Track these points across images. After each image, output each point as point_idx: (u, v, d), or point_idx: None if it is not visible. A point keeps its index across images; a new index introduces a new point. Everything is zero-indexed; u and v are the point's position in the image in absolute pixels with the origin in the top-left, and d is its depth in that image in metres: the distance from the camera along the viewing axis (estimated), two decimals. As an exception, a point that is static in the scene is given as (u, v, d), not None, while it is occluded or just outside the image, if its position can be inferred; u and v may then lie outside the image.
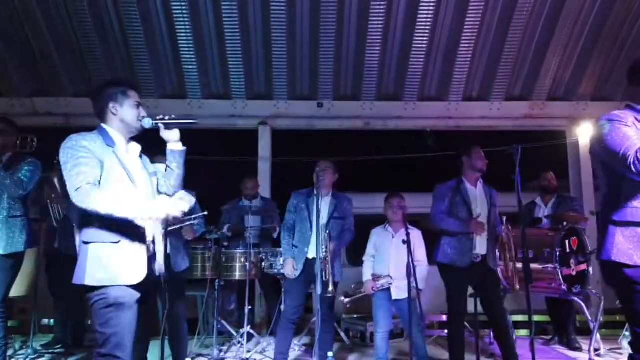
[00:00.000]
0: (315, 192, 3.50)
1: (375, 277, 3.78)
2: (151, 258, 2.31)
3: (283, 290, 3.88)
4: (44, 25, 5.33)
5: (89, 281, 2.15)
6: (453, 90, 6.03)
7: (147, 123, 2.38)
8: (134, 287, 2.20)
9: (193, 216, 3.56)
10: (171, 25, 5.36)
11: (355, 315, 5.27)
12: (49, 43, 5.46)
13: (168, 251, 3.18)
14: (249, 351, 4.36)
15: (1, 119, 3.53)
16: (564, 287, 3.97)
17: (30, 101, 5.85)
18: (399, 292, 3.66)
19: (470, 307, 3.71)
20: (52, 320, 5.15)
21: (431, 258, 3.98)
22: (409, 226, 3.51)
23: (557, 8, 5.36)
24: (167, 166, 2.49)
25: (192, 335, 4.44)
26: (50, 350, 4.55)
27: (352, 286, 3.97)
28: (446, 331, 4.98)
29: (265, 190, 5.86)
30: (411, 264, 3.27)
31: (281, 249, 4.34)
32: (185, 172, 2.51)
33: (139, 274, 2.22)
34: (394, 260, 3.73)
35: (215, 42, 5.52)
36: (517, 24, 5.46)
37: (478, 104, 6.14)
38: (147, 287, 2.30)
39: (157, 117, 2.39)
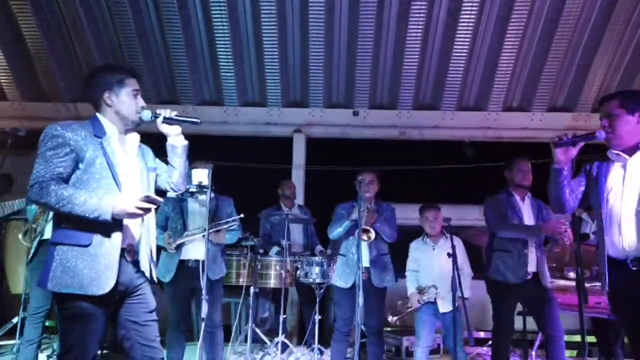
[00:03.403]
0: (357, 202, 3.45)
1: (420, 290, 3.69)
2: (135, 263, 2.13)
3: (333, 301, 3.80)
4: (88, 34, 5.48)
5: (52, 287, 1.99)
6: (493, 100, 5.89)
7: (146, 116, 2.15)
8: (102, 297, 2.00)
9: (229, 219, 3.57)
10: (210, 33, 5.43)
11: (389, 329, 5.14)
12: (93, 51, 5.61)
13: (203, 258, 3.17)
14: (282, 361, 4.31)
15: None
16: (613, 306, 3.76)
17: (74, 106, 6.01)
18: (446, 304, 3.55)
19: (518, 325, 3.56)
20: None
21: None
22: (449, 235, 3.41)
23: (604, 17, 5.17)
24: (168, 162, 2.27)
25: (225, 342, 4.41)
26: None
27: (399, 302, 3.85)
28: (484, 349, 4.84)
29: (298, 198, 5.82)
30: (457, 278, 3.17)
31: (316, 258, 4.30)
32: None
33: (106, 284, 2.00)
34: (437, 273, 3.63)
35: (253, 49, 5.56)
36: (562, 33, 5.29)
37: (519, 115, 5.98)
38: (119, 295, 2.11)
39: (157, 111, 2.19)
